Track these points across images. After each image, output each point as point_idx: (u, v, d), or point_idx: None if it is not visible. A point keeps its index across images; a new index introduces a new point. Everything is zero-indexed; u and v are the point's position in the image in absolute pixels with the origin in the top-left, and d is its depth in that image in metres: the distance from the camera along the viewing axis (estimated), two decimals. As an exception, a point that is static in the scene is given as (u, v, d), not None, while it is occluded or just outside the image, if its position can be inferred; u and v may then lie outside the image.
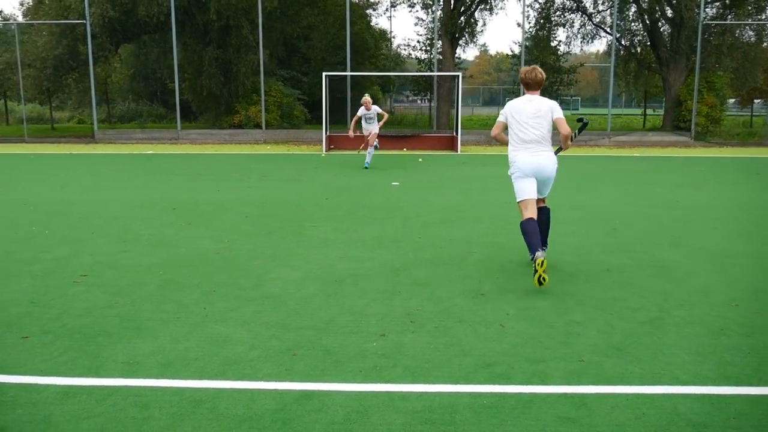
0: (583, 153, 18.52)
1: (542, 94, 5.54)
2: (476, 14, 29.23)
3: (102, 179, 12.07)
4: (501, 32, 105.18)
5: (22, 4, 29.52)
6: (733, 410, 3.15)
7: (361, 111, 13.59)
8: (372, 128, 13.69)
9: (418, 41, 34.21)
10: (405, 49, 36.94)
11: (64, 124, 31.47)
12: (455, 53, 29.48)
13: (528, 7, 29.02)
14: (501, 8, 28.60)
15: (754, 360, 3.76)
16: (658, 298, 4.88)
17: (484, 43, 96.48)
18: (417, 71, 33.40)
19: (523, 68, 5.54)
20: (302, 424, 2.98)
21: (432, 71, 30.62)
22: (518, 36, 45.81)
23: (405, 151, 17.08)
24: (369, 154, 13.71)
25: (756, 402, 3.25)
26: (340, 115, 24.09)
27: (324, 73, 17.47)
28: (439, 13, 29.01)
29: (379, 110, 13.56)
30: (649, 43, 26.94)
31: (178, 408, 3.11)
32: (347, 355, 3.77)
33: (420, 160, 11.19)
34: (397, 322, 4.33)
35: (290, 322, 4.30)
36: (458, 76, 18.49)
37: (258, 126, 22.63)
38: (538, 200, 5.53)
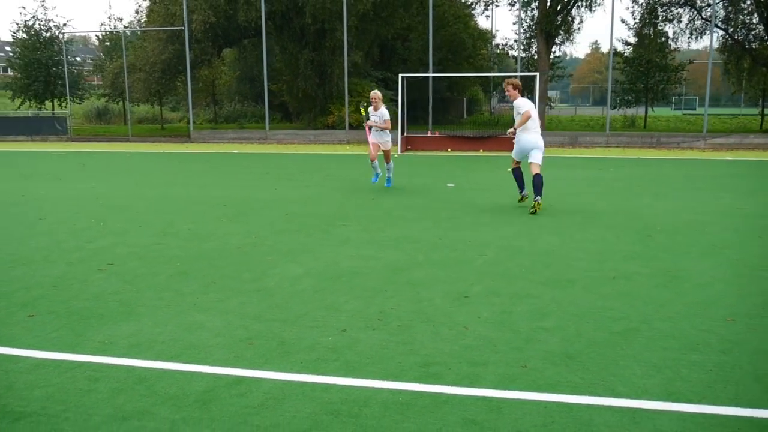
0: (672, 156, 17.59)
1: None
2: (573, 11, 28.42)
3: (175, 176, 12.97)
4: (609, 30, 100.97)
5: (137, 12, 31.98)
6: (652, 426, 3.08)
7: (371, 112, 10.46)
8: (381, 140, 10.40)
9: (515, 40, 33.74)
10: (503, 48, 36.26)
11: (175, 124, 33.74)
12: (551, 52, 28.81)
13: (632, 2, 27.87)
14: (599, 4, 27.01)
15: (711, 377, 3.60)
16: (650, 309, 4.72)
17: (596, 41, 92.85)
18: (514, 71, 32.94)
19: (514, 80, 8.83)
20: (219, 405, 3.23)
21: (530, 71, 30.19)
22: (623, 33, 43.84)
23: (481, 152, 16.99)
24: (389, 169, 10.92)
25: (681, 419, 3.14)
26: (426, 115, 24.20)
27: (400, 74, 17.71)
28: (535, 12, 28.52)
29: (387, 115, 10.34)
30: (767, 38, 25.10)
31: (121, 384, 3.46)
32: (298, 347, 3.98)
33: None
34: (365, 319, 4.49)
35: (265, 314, 4.58)
36: (536, 76, 18.12)
37: (351, 126, 23.30)
38: (534, 167, 8.58)
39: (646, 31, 27.95)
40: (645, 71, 28.69)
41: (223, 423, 3.07)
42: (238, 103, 38.41)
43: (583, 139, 19.76)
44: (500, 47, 37.06)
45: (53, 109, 28.51)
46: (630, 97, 29.10)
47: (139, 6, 31.80)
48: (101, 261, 6.02)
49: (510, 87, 8.75)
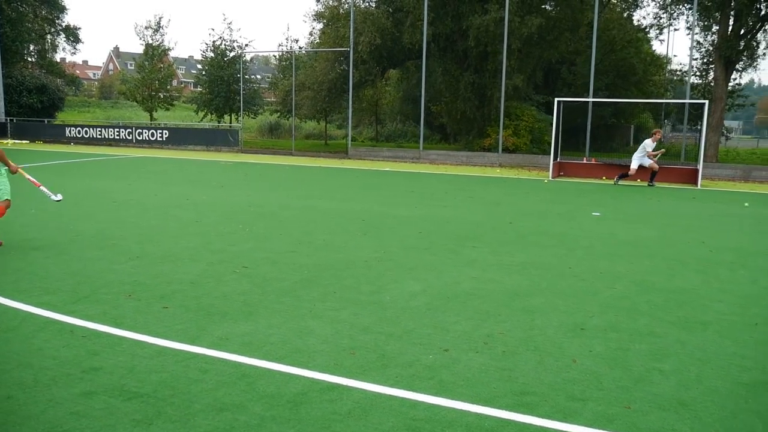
0: None
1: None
2: (759, 36, 26.00)
3: (323, 189, 13.57)
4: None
5: (311, 34, 34.16)
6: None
7: None
8: None
9: (692, 66, 31.60)
10: (677, 75, 34.16)
11: (338, 141, 35.37)
12: (729, 79, 26.58)
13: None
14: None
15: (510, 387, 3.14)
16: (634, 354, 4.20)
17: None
18: (686, 98, 30.84)
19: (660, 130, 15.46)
20: (308, 408, 3.37)
21: (705, 98, 28.25)
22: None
23: (638, 182, 16.02)
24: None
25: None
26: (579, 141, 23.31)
27: (556, 99, 17.21)
28: (714, 36, 26.52)
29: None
30: None
31: (226, 378, 3.72)
32: (397, 362, 4.03)
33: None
34: (470, 341, 4.43)
35: (374, 327, 4.68)
36: (704, 104, 16.76)
37: (507, 150, 23.15)
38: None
39: None
40: None
41: (308, 426, 3.19)
42: (399, 123, 39.51)
43: (758, 173, 17.94)
44: (675, 73, 34.97)
45: (230, 123, 31.20)
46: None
47: (313, 28, 33.95)
48: (238, 263, 6.49)
49: (659, 134, 15.56)
